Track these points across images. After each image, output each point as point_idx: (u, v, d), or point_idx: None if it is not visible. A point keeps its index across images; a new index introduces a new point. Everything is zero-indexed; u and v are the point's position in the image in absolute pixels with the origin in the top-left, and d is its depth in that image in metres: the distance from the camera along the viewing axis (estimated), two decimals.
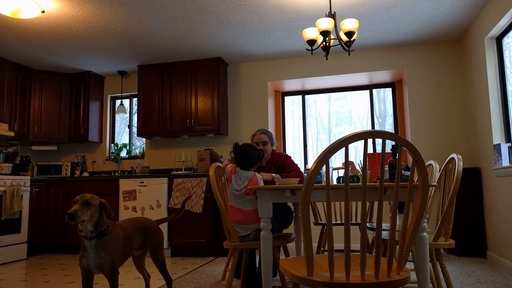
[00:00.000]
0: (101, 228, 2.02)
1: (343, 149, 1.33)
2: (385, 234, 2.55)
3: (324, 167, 1.35)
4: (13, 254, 4.28)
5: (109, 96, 5.69)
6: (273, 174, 2.89)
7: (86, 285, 2.06)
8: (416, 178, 2.73)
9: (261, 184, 2.55)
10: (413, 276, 2.48)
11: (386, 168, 2.34)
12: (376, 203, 3.79)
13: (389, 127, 5.15)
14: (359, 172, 3.21)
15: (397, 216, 3.33)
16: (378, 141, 4.96)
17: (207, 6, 3.61)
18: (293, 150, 5.34)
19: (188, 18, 3.85)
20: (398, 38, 4.48)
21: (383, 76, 4.92)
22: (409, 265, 3.31)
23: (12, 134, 4.78)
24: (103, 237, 2.02)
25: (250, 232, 2.53)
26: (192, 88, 4.97)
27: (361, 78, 4.98)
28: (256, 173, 2.59)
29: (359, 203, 3.86)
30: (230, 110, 5.22)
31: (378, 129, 5.02)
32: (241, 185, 2.53)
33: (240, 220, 2.53)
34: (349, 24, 3.01)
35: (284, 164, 3.04)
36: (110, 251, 2.05)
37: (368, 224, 3.32)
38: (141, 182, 4.56)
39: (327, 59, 3.40)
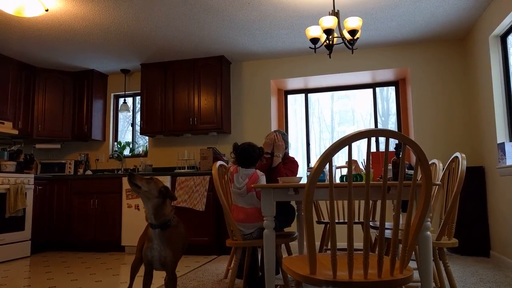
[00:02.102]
0: (165, 218, 2.00)
1: (346, 147, 1.33)
2: (388, 233, 2.54)
3: (327, 166, 1.35)
4: (17, 251, 4.30)
5: (112, 94, 5.71)
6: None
7: (147, 279, 2.04)
8: (419, 177, 2.73)
9: (262, 180, 2.56)
10: (416, 275, 2.48)
11: (390, 167, 2.34)
12: (379, 202, 3.78)
13: (392, 125, 5.14)
14: (362, 171, 3.20)
15: (400, 215, 3.32)
16: (381, 140, 4.95)
17: (210, 5, 3.61)
18: (296, 149, 5.33)
19: (191, 16, 3.85)
20: (401, 37, 4.47)
21: (386, 74, 4.91)
22: (412, 264, 3.31)
23: (16, 132, 4.81)
24: (167, 228, 2.00)
25: (253, 231, 2.54)
26: (195, 87, 4.97)
27: (364, 76, 4.97)
28: (257, 170, 2.61)
29: (362, 202, 3.85)
30: (233, 108, 5.22)
31: (382, 127, 5.01)
32: (242, 182, 2.55)
33: (242, 218, 2.54)
34: (352, 22, 3.00)
35: (287, 164, 3.05)
36: (174, 245, 2.01)
37: (371, 223, 3.32)
38: None
39: (330, 57, 3.40)
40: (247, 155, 2.61)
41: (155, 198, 1.98)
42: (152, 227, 1.99)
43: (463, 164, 2.22)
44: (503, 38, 3.65)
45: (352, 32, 3.02)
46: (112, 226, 4.61)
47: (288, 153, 3.23)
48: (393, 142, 3.56)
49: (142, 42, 4.48)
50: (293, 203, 3.41)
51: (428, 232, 1.85)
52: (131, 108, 5.71)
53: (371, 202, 3.45)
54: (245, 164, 2.61)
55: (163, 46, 4.61)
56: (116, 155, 5.41)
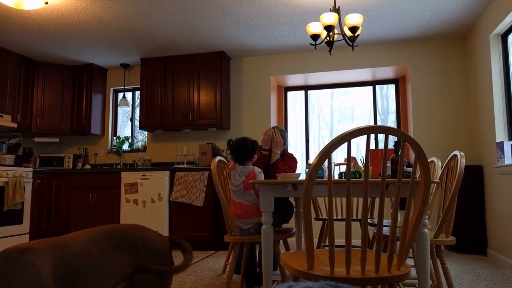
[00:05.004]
0: None
1: (345, 144, 1.33)
2: (386, 230, 2.55)
3: (326, 162, 1.35)
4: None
5: (111, 88, 5.69)
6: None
7: None
8: (418, 174, 2.73)
9: (260, 177, 2.56)
10: (413, 272, 2.49)
11: (388, 164, 2.34)
12: (377, 199, 3.79)
13: (391, 123, 5.14)
14: (361, 168, 3.21)
15: (398, 212, 3.33)
16: (380, 137, 4.95)
17: (211, 0, 3.59)
18: (295, 146, 5.33)
19: (191, 11, 3.83)
20: (402, 34, 4.46)
21: (386, 72, 4.90)
22: (409, 261, 3.32)
23: (15, 125, 4.80)
24: None
25: (250, 226, 2.54)
26: (194, 82, 4.96)
27: (364, 74, 4.96)
28: (255, 167, 2.61)
29: (361, 199, 3.86)
30: (232, 104, 5.21)
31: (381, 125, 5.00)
32: (239, 180, 2.56)
33: (240, 214, 2.55)
34: (353, 19, 2.99)
35: (285, 161, 3.05)
36: None
37: (369, 220, 3.33)
38: (142, 175, 4.57)
39: (330, 54, 3.40)
40: (240, 149, 2.61)
41: None
42: None
43: (461, 162, 2.22)
44: (504, 37, 3.64)
45: (353, 29, 3.01)
46: (111, 221, 4.62)
47: (287, 150, 3.23)
48: (392, 140, 3.56)
49: (142, 36, 4.46)
50: (291, 199, 3.42)
51: (426, 230, 1.86)
52: (131, 103, 5.70)
53: (369, 199, 3.46)
54: (240, 159, 2.62)
55: (163, 40, 4.60)
56: (115, 149, 5.41)
